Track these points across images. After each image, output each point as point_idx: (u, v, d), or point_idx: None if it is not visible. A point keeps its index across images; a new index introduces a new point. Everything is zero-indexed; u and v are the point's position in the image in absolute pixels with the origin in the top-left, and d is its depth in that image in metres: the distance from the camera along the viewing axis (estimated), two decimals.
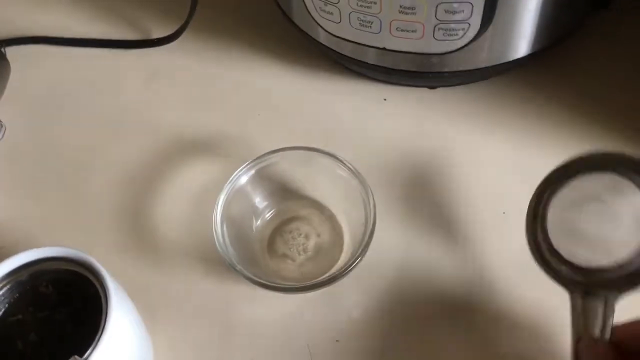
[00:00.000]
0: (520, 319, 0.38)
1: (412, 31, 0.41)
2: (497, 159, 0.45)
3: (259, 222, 0.42)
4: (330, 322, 0.38)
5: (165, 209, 0.44)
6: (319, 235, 0.42)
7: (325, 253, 0.41)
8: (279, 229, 0.42)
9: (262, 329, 0.38)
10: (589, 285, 0.31)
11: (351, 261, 0.36)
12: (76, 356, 0.28)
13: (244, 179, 0.41)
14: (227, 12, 0.57)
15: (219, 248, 0.37)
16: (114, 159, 0.47)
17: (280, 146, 0.41)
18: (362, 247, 0.37)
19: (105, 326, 0.29)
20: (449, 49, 0.41)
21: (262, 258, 0.41)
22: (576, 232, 0.32)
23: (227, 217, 0.39)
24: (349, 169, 0.39)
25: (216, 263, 0.41)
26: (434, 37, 0.41)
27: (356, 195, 0.39)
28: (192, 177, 0.46)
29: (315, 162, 0.40)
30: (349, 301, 0.39)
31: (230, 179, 0.40)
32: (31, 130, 0.49)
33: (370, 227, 0.37)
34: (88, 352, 0.28)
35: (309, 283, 0.37)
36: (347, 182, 0.40)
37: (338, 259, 0.40)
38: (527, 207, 0.34)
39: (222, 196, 0.39)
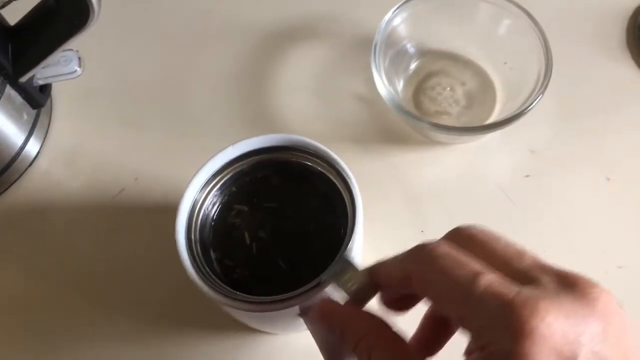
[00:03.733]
0: None
1: None
2: None
3: (401, 82, 0.41)
4: (514, 160, 0.39)
5: (290, 100, 0.42)
6: (463, 84, 0.41)
7: (479, 100, 0.40)
8: (419, 89, 0.41)
9: (449, 183, 0.38)
10: None
11: (530, 101, 0.36)
12: (344, 254, 0.26)
13: (393, 24, 0.39)
14: None
15: (390, 103, 0.36)
16: (210, 68, 0.43)
17: (377, 12, 0.38)
18: (541, 87, 0.36)
19: (356, 216, 0.28)
20: None
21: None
22: None
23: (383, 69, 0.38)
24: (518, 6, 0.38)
25: (366, 140, 0.40)
26: None
27: (521, 33, 0.38)
28: (304, 63, 0.43)
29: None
30: (528, 138, 0.39)
31: (380, 26, 0.38)
32: (110, 59, 0.44)
33: (547, 64, 0.36)
34: (348, 246, 0.27)
35: (490, 123, 0.37)
36: (510, 23, 0.39)
37: (495, 102, 0.40)
38: None
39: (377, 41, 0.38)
